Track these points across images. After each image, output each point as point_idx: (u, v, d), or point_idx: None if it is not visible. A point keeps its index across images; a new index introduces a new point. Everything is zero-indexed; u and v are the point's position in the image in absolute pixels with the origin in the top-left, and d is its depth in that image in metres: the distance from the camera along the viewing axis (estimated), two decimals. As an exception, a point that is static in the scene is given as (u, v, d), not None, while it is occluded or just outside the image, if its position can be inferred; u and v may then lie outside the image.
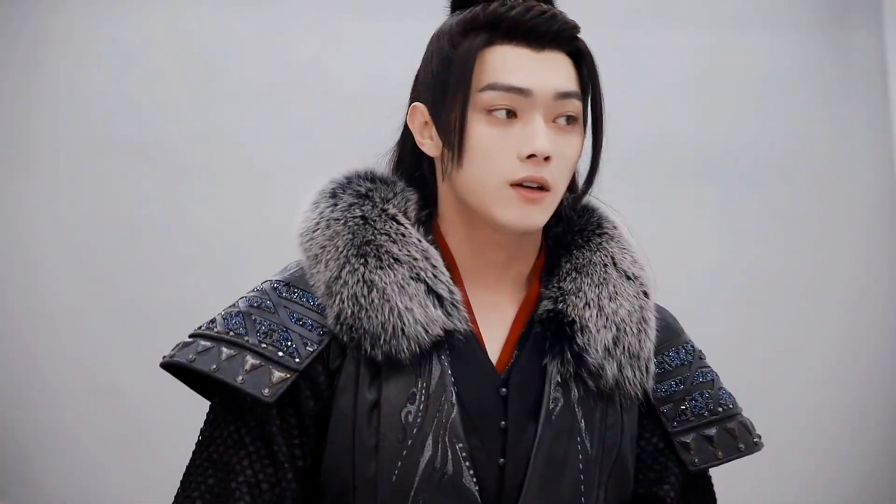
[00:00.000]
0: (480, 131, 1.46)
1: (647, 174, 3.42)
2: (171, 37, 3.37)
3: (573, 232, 1.58)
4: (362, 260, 1.47)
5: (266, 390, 1.42)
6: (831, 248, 3.51)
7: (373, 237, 1.48)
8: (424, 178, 1.55)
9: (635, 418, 1.55)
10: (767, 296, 3.48)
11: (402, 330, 1.44)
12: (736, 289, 3.47)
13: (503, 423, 1.48)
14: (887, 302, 3.52)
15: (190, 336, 1.49)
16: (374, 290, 1.45)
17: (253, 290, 1.51)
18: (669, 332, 1.60)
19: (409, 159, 1.57)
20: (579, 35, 1.50)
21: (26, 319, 3.32)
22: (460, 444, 1.45)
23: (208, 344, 1.45)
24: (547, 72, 1.47)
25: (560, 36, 1.48)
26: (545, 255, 1.57)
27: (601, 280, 1.55)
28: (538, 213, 1.48)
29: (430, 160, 1.54)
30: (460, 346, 1.47)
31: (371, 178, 1.54)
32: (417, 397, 1.45)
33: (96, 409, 3.31)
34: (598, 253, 1.56)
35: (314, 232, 1.50)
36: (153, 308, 3.30)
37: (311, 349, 1.45)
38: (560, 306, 1.53)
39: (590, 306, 1.53)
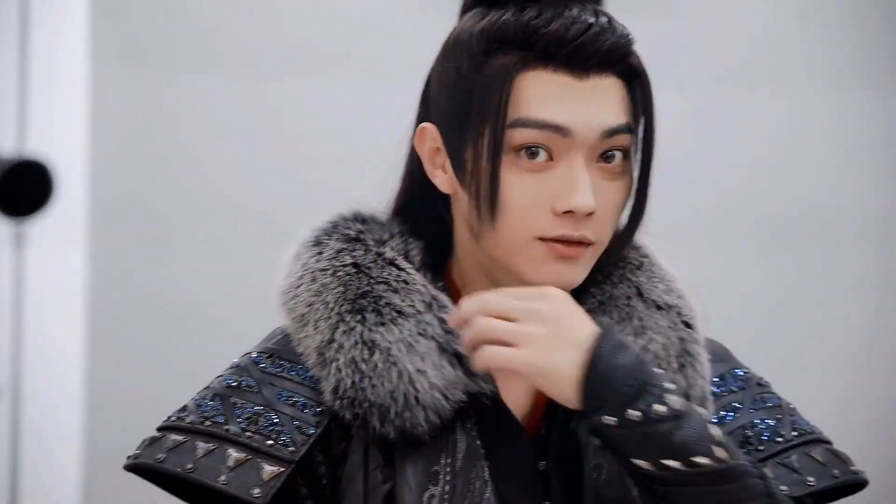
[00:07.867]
0: (509, 180, 1.17)
1: (751, 234, 3.41)
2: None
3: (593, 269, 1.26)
4: (359, 316, 1.19)
5: (256, 490, 1.16)
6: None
7: (369, 287, 1.21)
8: (439, 215, 1.27)
9: None
10: (872, 356, 3.42)
11: (416, 398, 1.16)
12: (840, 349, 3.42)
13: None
14: None
15: (158, 429, 1.21)
16: (377, 352, 1.17)
17: (230, 367, 1.25)
18: (715, 363, 1.29)
19: (419, 192, 1.28)
20: (633, 49, 1.19)
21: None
22: None
23: (180, 438, 1.19)
24: (593, 104, 1.16)
25: (611, 56, 1.16)
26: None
27: (624, 315, 1.24)
28: (575, 272, 1.18)
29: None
30: (487, 412, 1.20)
31: (361, 219, 1.27)
32: (441, 476, 1.17)
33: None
34: (619, 285, 1.26)
35: (297, 288, 1.23)
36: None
37: (308, 434, 1.19)
38: None
39: None
